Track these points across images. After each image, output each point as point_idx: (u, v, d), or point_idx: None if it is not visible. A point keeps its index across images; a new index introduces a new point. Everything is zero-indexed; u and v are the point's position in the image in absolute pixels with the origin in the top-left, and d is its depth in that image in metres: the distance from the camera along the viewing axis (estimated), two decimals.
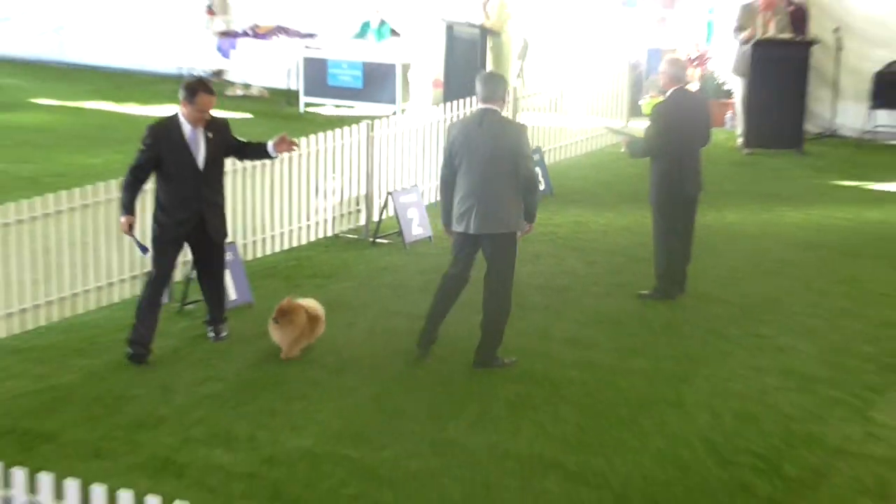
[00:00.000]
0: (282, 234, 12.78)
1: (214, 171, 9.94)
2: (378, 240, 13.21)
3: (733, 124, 18.19)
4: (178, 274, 11.21)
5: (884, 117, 17.87)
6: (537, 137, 15.82)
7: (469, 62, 17.92)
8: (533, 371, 9.99)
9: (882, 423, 9.21)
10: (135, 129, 17.50)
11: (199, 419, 8.98)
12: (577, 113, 17.15)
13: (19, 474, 6.50)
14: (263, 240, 12.58)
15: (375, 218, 13.37)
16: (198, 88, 9.74)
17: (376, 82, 18.80)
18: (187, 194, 9.76)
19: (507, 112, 10.39)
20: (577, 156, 16.80)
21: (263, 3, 20.93)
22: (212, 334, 10.40)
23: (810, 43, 17.61)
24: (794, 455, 8.68)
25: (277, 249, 12.71)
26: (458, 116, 14.66)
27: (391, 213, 13.26)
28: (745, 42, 17.29)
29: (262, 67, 20.10)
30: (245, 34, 20.24)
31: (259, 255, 12.47)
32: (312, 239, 13.09)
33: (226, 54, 20.12)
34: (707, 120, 11.70)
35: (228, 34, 20.35)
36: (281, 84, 19.94)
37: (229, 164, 11.89)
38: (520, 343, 10.46)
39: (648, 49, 19.60)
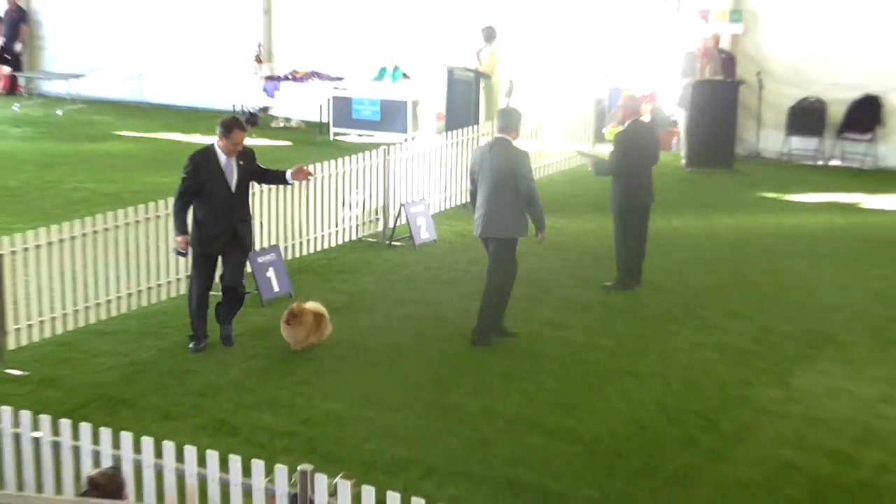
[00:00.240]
0: (315, 238, 12.71)
1: (243, 193, 9.64)
2: (393, 243, 13.16)
3: (678, 148, 18.13)
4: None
5: (797, 142, 17.83)
6: None
7: (465, 99, 17.85)
8: (519, 348, 9.96)
9: (799, 387, 9.20)
10: None
11: (249, 388, 8.93)
12: (553, 139, 17.10)
13: (105, 433, 6.46)
14: (301, 243, 12.51)
15: (391, 225, 13.33)
16: (233, 126, 9.48)
17: (391, 116, 18.76)
18: (222, 213, 9.49)
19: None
20: (553, 174, 16.78)
21: (300, 52, 20.89)
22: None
23: (738, 83, 17.59)
24: (729, 414, 8.66)
25: (312, 251, 12.63)
26: (456, 144, 14.64)
27: (403, 221, 13.22)
28: (687, 85, 17.29)
29: (299, 104, 20.07)
30: (286, 78, 20.20)
31: (297, 255, 12.40)
32: (340, 242, 13.02)
33: (271, 94, 20.08)
34: (657, 145, 11.78)
35: (273, 78, 20.32)
36: (314, 118, 19.91)
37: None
38: (509, 325, 10.38)
39: (609, 88, 19.57)
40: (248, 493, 6.06)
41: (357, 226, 13.25)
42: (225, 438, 8.03)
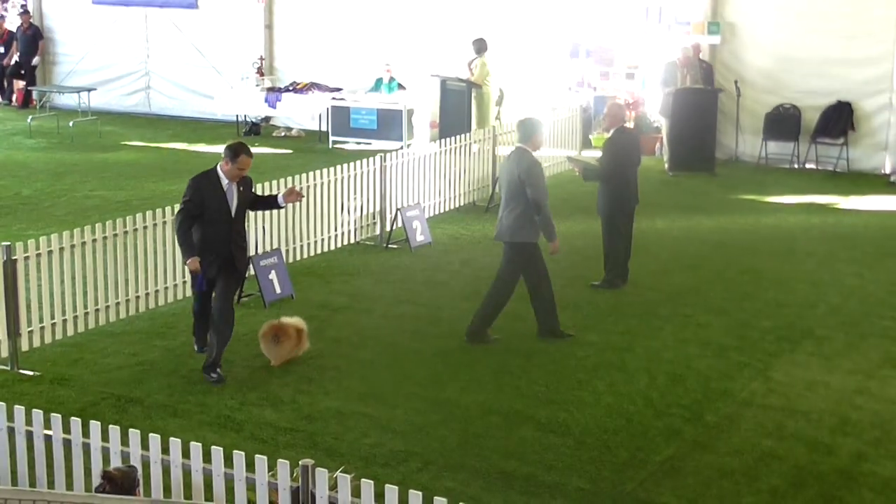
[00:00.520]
0: (315, 242, 12.63)
1: (241, 218, 9.20)
2: (390, 245, 13.11)
3: (661, 153, 18.09)
4: None
5: (773, 147, 17.81)
6: None
7: (457, 109, 17.90)
8: (511, 344, 9.92)
9: (778, 380, 9.17)
10: (203, 163, 17.54)
11: (253, 386, 8.86)
12: (542, 144, 17.02)
13: (114, 430, 6.40)
14: (301, 246, 12.44)
15: (388, 228, 13.28)
16: (240, 151, 8.97)
17: (387, 124, 18.70)
18: (221, 236, 8.97)
19: (534, 148, 10.00)
20: None
21: (300, 65, 20.84)
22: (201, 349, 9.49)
23: (718, 91, 17.58)
24: (712, 406, 8.63)
25: (312, 254, 12.55)
26: (449, 151, 14.59)
27: (400, 224, 13.16)
28: (669, 94, 17.27)
29: (299, 114, 20.01)
30: (287, 89, 20.13)
31: (298, 258, 12.32)
32: (339, 245, 12.95)
33: (272, 105, 20.00)
34: (640, 149, 11.73)
35: (274, 89, 20.24)
36: (314, 127, 19.85)
37: (280, 187, 11.82)
38: (501, 323, 10.34)
39: (595, 96, 19.55)
40: (251, 487, 6.00)
41: (355, 229, 13.19)
42: (229, 434, 7.97)
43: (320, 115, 19.57)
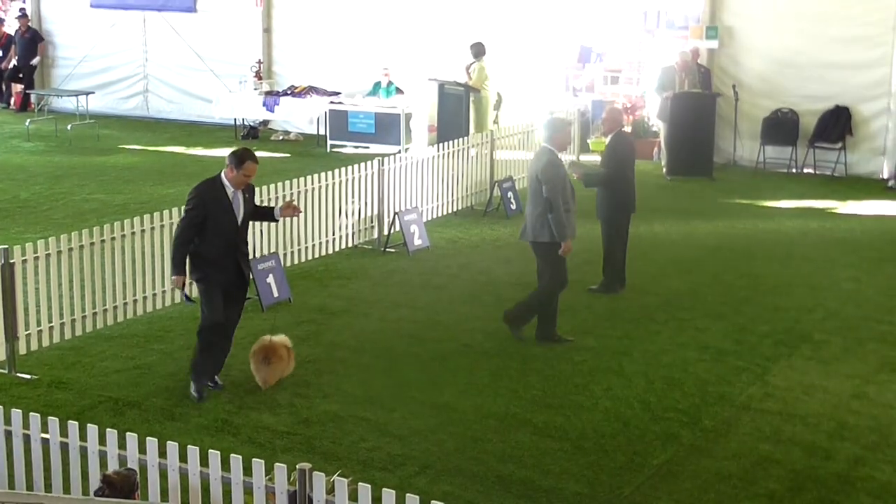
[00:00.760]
0: (313, 246, 12.62)
1: (246, 227, 8.85)
2: (388, 249, 13.09)
3: (659, 158, 18.10)
4: None
5: (771, 151, 17.81)
6: (511, 169, 15.76)
7: (455, 112, 17.89)
8: (508, 348, 9.90)
9: (776, 385, 9.16)
10: (200, 166, 17.69)
11: (250, 390, 8.85)
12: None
13: (111, 434, 6.39)
14: (299, 250, 12.42)
15: (385, 232, 13.27)
16: (245, 157, 8.55)
17: (385, 128, 18.69)
18: (227, 249, 8.58)
19: (556, 148, 9.94)
20: None
21: (298, 69, 20.84)
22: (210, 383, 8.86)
23: (715, 96, 17.60)
24: (710, 411, 8.62)
25: (310, 257, 12.54)
26: (447, 155, 14.59)
27: (397, 228, 13.15)
28: (667, 98, 17.28)
29: (298, 118, 20.01)
30: (285, 93, 20.12)
31: (296, 262, 12.32)
32: (337, 249, 12.95)
33: (270, 108, 19.99)
34: (635, 153, 11.79)
35: (272, 93, 20.24)
36: (312, 131, 19.85)
37: (278, 190, 11.84)
38: (498, 327, 10.36)
39: (593, 100, 19.57)
40: (248, 491, 5.99)
41: (353, 233, 13.18)
42: (227, 438, 7.96)
43: (318, 119, 19.58)
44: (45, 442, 6.58)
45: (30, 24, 23.17)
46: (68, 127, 20.24)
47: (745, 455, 7.86)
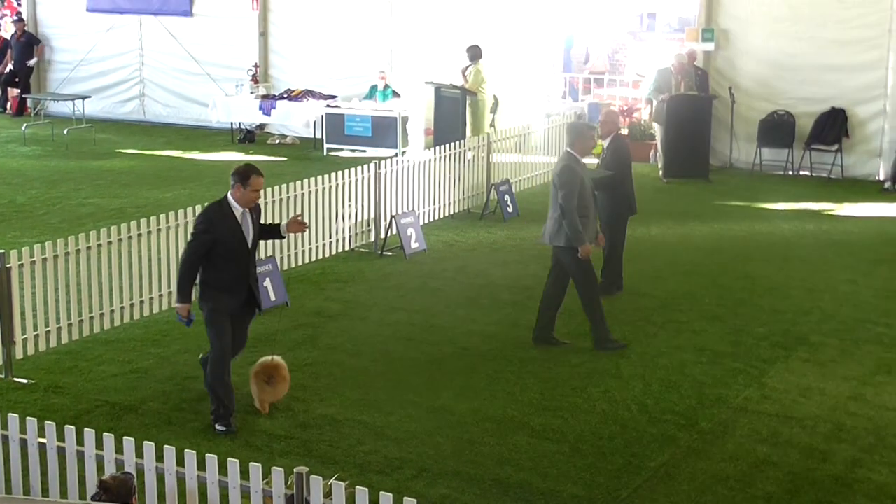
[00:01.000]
0: (310, 249, 12.62)
1: (255, 248, 8.43)
2: (384, 252, 13.09)
3: (655, 160, 18.12)
4: None
5: (767, 153, 17.83)
6: (507, 172, 15.76)
7: (452, 116, 17.87)
8: (505, 352, 9.90)
9: (773, 387, 9.16)
10: (197, 170, 17.71)
11: (247, 393, 8.82)
12: (536, 151, 17.05)
13: (108, 438, 6.39)
14: (296, 254, 12.42)
15: (382, 235, 13.26)
16: (249, 172, 8.12)
17: (382, 131, 18.70)
18: (239, 271, 8.18)
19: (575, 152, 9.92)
20: (537, 185, 16.71)
21: (295, 72, 20.84)
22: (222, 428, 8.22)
23: (712, 98, 17.62)
24: (706, 413, 8.62)
25: (307, 261, 12.54)
26: (444, 158, 14.59)
27: (394, 231, 13.13)
28: (663, 100, 17.30)
29: (294, 122, 20.00)
30: (281, 97, 20.11)
31: (293, 265, 12.31)
32: (334, 252, 12.94)
33: (267, 112, 19.99)
34: (631, 155, 11.76)
35: (269, 97, 20.24)
36: (309, 134, 19.85)
37: (274, 194, 11.84)
38: (495, 330, 10.39)
39: (589, 103, 19.60)
40: (246, 494, 5.99)
41: (350, 237, 13.18)
42: (224, 442, 7.95)
43: (315, 123, 19.55)
44: (42, 447, 6.58)
45: (26, 28, 23.16)
46: (65, 131, 20.23)
47: (742, 457, 7.86)
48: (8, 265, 9.24)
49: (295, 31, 20.91)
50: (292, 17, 20.92)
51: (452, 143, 14.92)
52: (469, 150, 15.23)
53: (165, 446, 6.24)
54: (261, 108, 19.97)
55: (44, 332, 9.69)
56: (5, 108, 23.56)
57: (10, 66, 23.37)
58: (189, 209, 10.93)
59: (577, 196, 9.69)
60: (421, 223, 13.71)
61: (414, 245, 13.14)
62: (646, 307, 11.12)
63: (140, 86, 22.52)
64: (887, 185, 16.85)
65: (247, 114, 20.22)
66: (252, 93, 20.44)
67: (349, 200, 13.05)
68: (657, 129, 17.80)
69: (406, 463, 7.69)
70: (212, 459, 6.09)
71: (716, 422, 8.44)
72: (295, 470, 5.79)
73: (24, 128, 20.68)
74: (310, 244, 12.61)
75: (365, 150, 18.78)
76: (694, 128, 17.14)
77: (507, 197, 14.98)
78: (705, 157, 17.31)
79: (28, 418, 6.64)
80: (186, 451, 6.19)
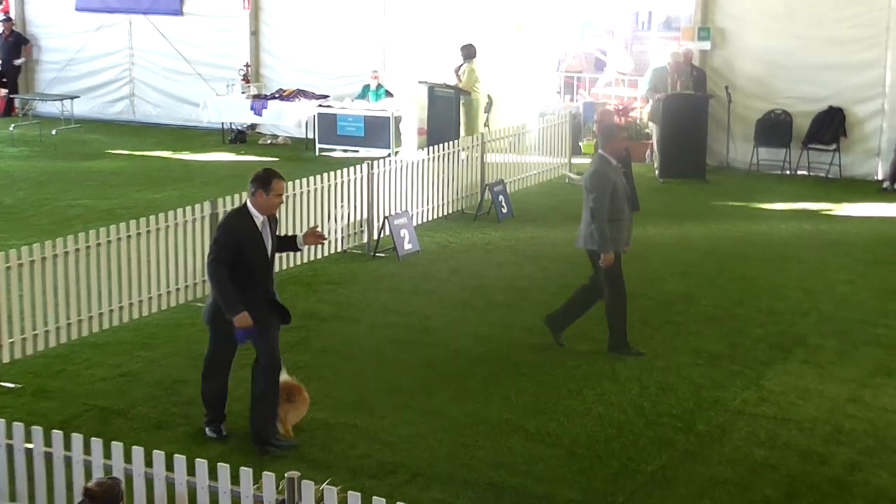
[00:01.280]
0: (302, 251, 12.54)
1: (274, 260, 8.07)
2: (377, 254, 13.06)
3: (651, 160, 18.12)
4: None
5: (764, 153, 17.83)
6: (502, 172, 15.74)
7: (446, 115, 17.91)
8: (500, 354, 9.89)
9: (771, 389, 9.15)
10: (187, 171, 17.69)
11: (237, 397, 8.73)
12: (531, 152, 17.05)
13: (96, 443, 6.36)
14: (288, 255, 12.35)
15: (375, 237, 13.24)
16: (271, 176, 7.75)
17: (375, 132, 18.67)
18: (258, 287, 7.83)
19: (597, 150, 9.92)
20: (532, 186, 16.70)
21: (286, 72, 20.82)
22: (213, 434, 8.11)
23: (708, 97, 17.61)
24: (704, 416, 8.61)
25: (299, 262, 12.49)
26: (437, 158, 14.57)
27: (387, 232, 13.12)
28: (659, 99, 17.29)
29: (286, 122, 19.96)
30: (273, 97, 20.09)
31: (285, 267, 12.26)
32: (326, 254, 12.91)
33: (258, 112, 19.96)
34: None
35: (260, 97, 20.21)
36: (301, 134, 19.83)
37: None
38: (489, 332, 10.37)
39: (584, 102, 19.61)
40: (236, 500, 5.96)
41: (342, 238, 13.15)
42: (214, 446, 7.92)
43: (307, 123, 19.54)
44: (29, 452, 6.54)
45: (14, 27, 23.10)
46: (53, 131, 20.19)
47: (739, 460, 7.85)
48: None
49: (287, 30, 20.89)
50: (284, 15, 20.90)
51: (446, 143, 14.91)
52: (463, 150, 15.23)
53: (154, 451, 6.21)
54: (252, 108, 19.95)
55: (31, 336, 9.64)
56: None
57: None
58: (179, 210, 10.91)
59: (608, 200, 9.60)
60: (414, 224, 13.69)
61: (407, 246, 13.12)
62: (642, 308, 11.09)
63: (130, 86, 22.48)
64: (886, 184, 16.86)
65: (238, 114, 20.20)
66: (243, 93, 20.41)
67: (341, 201, 13.02)
68: (653, 129, 17.81)
69: (399, 467, 7.67)
70: (202, 464, 6.06)
71: (713, 425, 8.43)
72: (286, 475, 5.76)
73: (11, 128, 20.63)
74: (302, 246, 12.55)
75: (357, 151, 18.77)
76: (690, 127, 17.14)
77: (501, 197, 14.97)
78: (702, 156, 17.32)
79: (15, 423, 6.61)
80: (176, 455, 6.16)
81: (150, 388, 9.06)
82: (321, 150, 19.15)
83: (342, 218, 13.06)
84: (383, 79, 19.63)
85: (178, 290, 10.99)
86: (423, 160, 14.41)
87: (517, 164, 16.50)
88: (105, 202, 15.49)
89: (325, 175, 12.79)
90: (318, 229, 8.35)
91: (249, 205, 7.85)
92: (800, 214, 15.23)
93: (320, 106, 19.32)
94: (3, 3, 24.02)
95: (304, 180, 12.50)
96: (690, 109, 17.27)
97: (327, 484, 5.74)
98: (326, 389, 9.03)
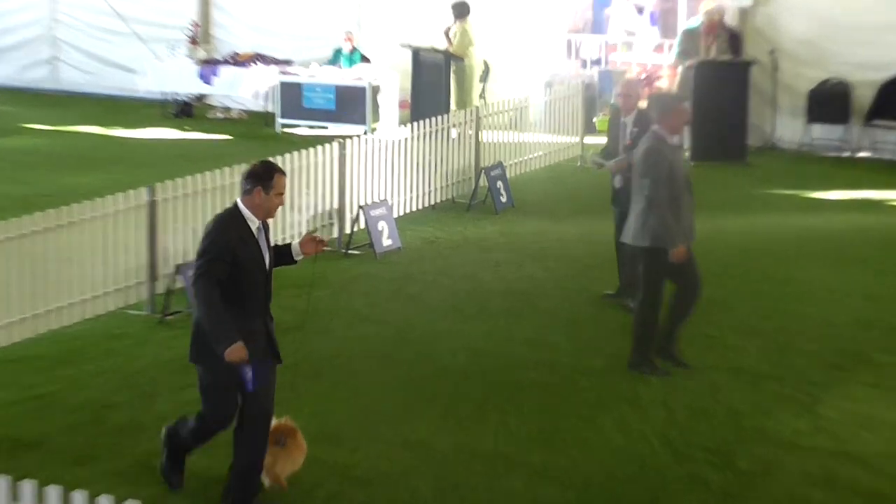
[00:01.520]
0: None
1: (272, 276, 7.73)
2: (350, 251, 13.04)
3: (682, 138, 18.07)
4: (161, 287, 11.02)
5: (818, 131, 17.90)
6: (500, 153, 15.75)
7: (434, 85, 17.94)
8: (497, 372, 9.84)
9: (828, 417, 9.14)
10: (121, 150, 17.62)
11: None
12: (535, 129, 17.03)
13: (1, 482, 6.23)
14: None
15: (348, 231, 13.21)
16: (273, 170, 7.44)
17: (348, 104, 18.72)
18: (255, 307, 7.49)
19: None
20: (536, 170, 16.70)
21: (242, 33, 20.81)
22: None
23: (749, 63, 17.61)
24: (745, 449, 8.58)
25: None
26: (423, 136, 14.54)
27: (362, 225, 13.13)
28: (689, 67, 17.26)
29: (241, 92, 19.94)
30: (226, 62, 20.12)
31: None
32: None
33: (207, 80, 19.98)
34: None
35: (210, 62, 20.23)
36: (259, 107, 19.82)
37: (216, 179, 11.70)
38: (484, 345, 10.35)
39: (600, 70, 19.61)
40: None
41: (308, 232, 13.08)
42: (149, 486, 7.82)
43: (266, 94, 19.58)
44: None
45: None
46: None
47: None
48: None
49: None
50: None
51: (434, 119, 14.88)
52: (454, 126, 15.23)
53: (74, 492, 6.10)
54: (200, 76, 19.99)
55: None
56: None
57: None
58: (110, 198, 10.87)
59: (666, 185, 9.54)
60: (395, 216, 13.67)
61: (386, 242, 13.11)
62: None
63: (51, 47, 22.43)
64: None
65: (183, 82, 20.26)
66: (190, 57, 20.40)
67: (307, 188, 13.00)
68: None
69: None
70: None
71: (757, 460, 8.37)
72: None
73: None
74: None
75: (327, 127, 18.86)
76: (728, 100, 17.21)
77: (499, 184, 14.95)
78: (741, 135, 17.39)
79: None
80: (102, 496, 6.05)
81: (70, 414, 8.96)
82: (283, 125, 19.19)
83: (308, 208, 13.02)
84: (358, 41, 19.64)
85: (107, 294, 10.93)
86: (406, 139, 14.40)
87: (519, 143, 16.49)
88: (19, 188, 15.43)
89: (288, 156, 12.72)
90: (317, 234, 8.13)
91: (242, 206, 7.49)
92: (861, 205, 15.30)
93: (282, 73, 19.38)
94: None
95: None
96: (728, 79, 17.32)
97: None
98: (287, 414, 8.92)
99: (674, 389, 9.50)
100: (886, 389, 9.60)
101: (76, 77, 22.31)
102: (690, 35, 17.69)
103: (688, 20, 18.57)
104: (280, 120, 19.24)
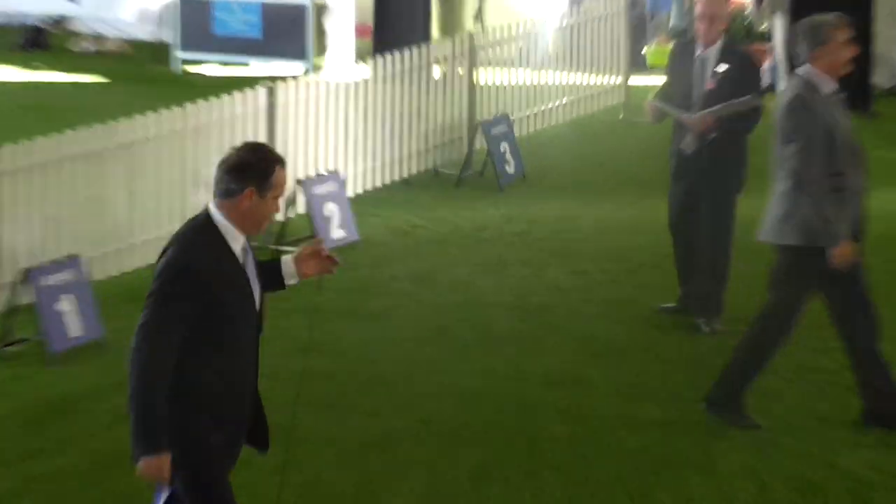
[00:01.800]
0: (146, 241, 12.52)
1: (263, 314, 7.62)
2: (283, 248, 12.94)
3: (772, 78, 18.07)
4: None
5: None
6: (503, 101, 15.73)
7: (407, 4, 17.86)
8: (503, 425, 9.84)
9: None
10: None
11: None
12: (560, 68, 17.04)
13: None
14: (119, 250, 12.46)
15: (279, 217, 13.12)
16: (271, 159, 7.23)
17: (279, 32, 18.80)
18: (244, 366, 7.34)
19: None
20: (558, 125, 16.69)
21: None
22: None
23: None
24: None
25: (143, 263, 12.38)
26: (391, 78, 14.51)
27: (301, 209, 13.30)
28: None
29: (121, 13, 19.98)
30: None
31: (115, 272, 12.39)
32: None
33: None
34: None
35: None
36: (149, 36, 19.84)
37: (80, 143, 11.67)
38: (484, 386, 10.40)
39: None
40: None
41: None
42: None
43: (159, 15, 19.63)
44: None
45: None
46: None
47: None
48: None
49: None
50: None
51: (407, 52, 14.98)
52: (437, 62, 15.19)
53: None
54: None
55: None
56: None
57: None
58: None
59: (823, 154, 9.51)
60: (349, 194, 13.82)
61: (336, 234, 13.26)
62: None
63: None
64: None
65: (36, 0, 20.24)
66: None
67: (218, 156, 12.92)
68: (776, 24, 17.82)
69: None
70: None
71: None
72: None
73: None
74: (145, 233, 12.60)
75: (249, 64, 18.88)
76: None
77: (504, 146, 14.96)
78: (862, 72, 17.31)
79: None
80: None
81: None
82: (184, 62, 19.26)
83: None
84: None
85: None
86: (366, 81, 14.53)
87: (532, 87, 16.51)
88: None
89: (192, 108, 12.87)
90: (324, 245, 7.78)
91: (218, 215, 7.28)
92: None
93: None
94: None
95: (154, 117, 12.59)
96: None
97: None
98: None
99: (767, 450, 9.47)
100: None
101: None
102: None
103: None
104: (179, 54, 19.35)
